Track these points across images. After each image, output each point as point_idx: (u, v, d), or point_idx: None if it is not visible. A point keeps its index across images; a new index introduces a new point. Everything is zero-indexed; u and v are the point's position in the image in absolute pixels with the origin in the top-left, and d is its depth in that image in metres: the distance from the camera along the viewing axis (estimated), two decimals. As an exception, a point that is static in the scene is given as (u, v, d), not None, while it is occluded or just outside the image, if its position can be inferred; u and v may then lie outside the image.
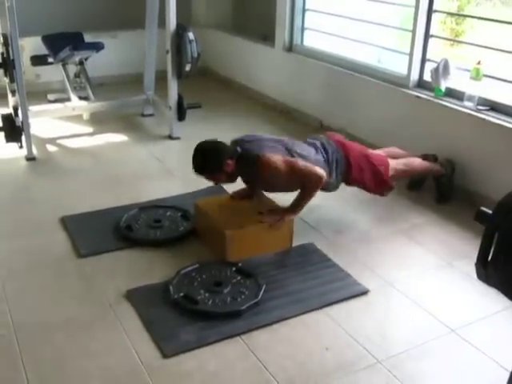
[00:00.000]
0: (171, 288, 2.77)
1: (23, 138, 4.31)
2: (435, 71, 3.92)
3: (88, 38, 5.58)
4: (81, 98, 5.32)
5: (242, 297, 2.74)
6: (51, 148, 4.72)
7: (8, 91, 4.57)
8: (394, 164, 3.51)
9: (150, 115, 5.44)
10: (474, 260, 1.69)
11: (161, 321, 2.61)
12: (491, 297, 2.70)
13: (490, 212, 1.63)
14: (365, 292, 2.85)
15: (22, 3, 4.23)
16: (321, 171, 3.08)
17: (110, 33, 6.15)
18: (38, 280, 2.93)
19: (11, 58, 4.13)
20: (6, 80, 4.39)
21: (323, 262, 3.10)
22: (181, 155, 4.72)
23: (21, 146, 4.34)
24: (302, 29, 5.35)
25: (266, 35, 5.86)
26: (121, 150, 4.68)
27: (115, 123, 5.24)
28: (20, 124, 4.27)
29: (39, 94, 5.41)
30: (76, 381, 2.30)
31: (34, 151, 4.42)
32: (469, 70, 3.77)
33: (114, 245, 3.23)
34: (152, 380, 2.29)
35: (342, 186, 3.46)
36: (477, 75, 3.70)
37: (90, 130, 5.10)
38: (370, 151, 3.52)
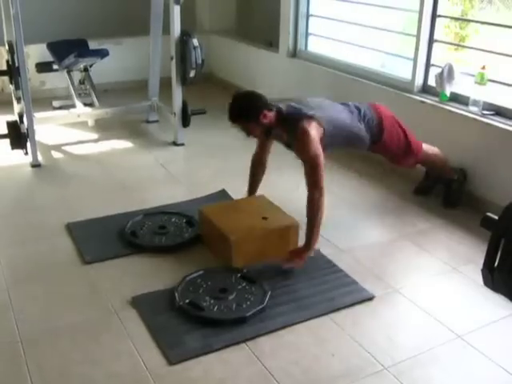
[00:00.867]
0: (176, 294, 2.77)
1: (28, 144, 4.33)
2: (440, 76, 3.91)
3: (93, 44, 5.61)
4: (86, 104, 5.34)
5: (248, 303, 2.74)
6: (56, 155, 4.73)
7: (13, 98, 4.58)
8: (425, 146, 3.58)
9: (155, 121, 5.45)
10: (481, 266, 1.68)
11: (166, 327, 2.60)
12: (498, 302, 2.69)
13: (496, 218, 1.62)
14: (371, 298, 2.84)
15: (27, 11, 4.25)
16: (324, 190, 3.01)
17: (114, 40, 6.18)
18: (43, 286, 2.93)
19: (16, 65, 4.14)
20: (12, 87, 4.41)
21: (329, 267, 3.09)
22: (185, 161, 4.74)
23: (26, 153, 4.36)
24: (306, 34, 5.36)
25: (270, 41, 5.88)
26: (125, 157, 4.69)
27: (120, 130, 5.26)
28: (25, 131, 4.28)
29: (44, 101, 5.43)
30: (81, 388, 2.30)
31: (39, 158, 4.43)
32: (473, 75, 3.76)
33: (119, 251, 3.23)
34: (157, 387, 2.29)
35: (347, 191, 3.45)
36: (481, 80, 3.69)
37: (94, 136, 5.11)
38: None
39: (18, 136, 4.28)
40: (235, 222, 3.19)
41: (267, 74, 5.83)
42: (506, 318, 2.72)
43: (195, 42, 4.52)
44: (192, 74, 4.57)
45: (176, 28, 4.51)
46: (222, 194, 3.89)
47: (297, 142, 3.07)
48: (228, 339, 2.53)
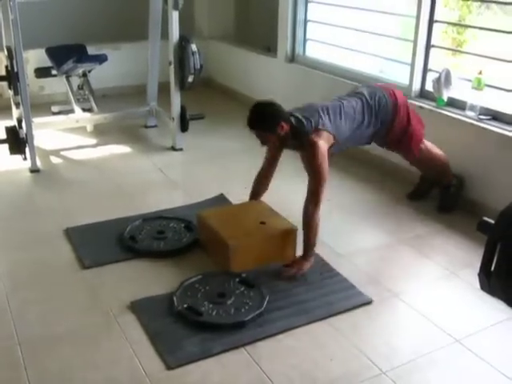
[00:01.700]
0: (175, 299, 2.78)
1: (27, 149, 4.33)
2: (437, 81, 3.93)
3: (91, 50, 5.61)
4: (84, 109, 5.35)
5: (246, 308, 2.74)
6: (55, 160, 4.74)
7: (12, 103, 4.59)
8: (427, 142, 3.63)
9: (153, 126, 5.46)
10: (478, 270, 1.69)
11: (165, 332, 2.61)
12: (495, 306, 2.69)
13: (492, 222, 1.63)
14: (369, 302, 2.85)
15: (25, 16, 4.26)
16: (320, 200, 3.04)
17: (113, 45, 6.19)
18: (42, 291, 2.94)
19: (15, 70, 4.15)
20: (11, 92, 4.42)
21: (327, 272, 3.10)
22: (184, 166, 4.75)
23: (25, 158, 4.36)
24: (304, 40, 5.38)
25: (268, 46, 5.90)
26: (124, 162, 4.70)
27: (118, 135, 5.27)
28: (24, 136, 4.29)
29: (43, 106, 5.44)
30: (80, 393, 2.31)
31: (38, 163, 4.44)
32: (470, 80, 3.78)
33: (117, 256, 3.24)
34: (156, 392, 2.30)
35: (346, 196, 3.46)
36: (478, 85, 3.71)
37: (93, 141, 5.12)
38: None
39: (17, 141, 4.28)
40: (233, 226, 3.20)
41: (265, 79, 5.85)
42: (504, 322, 2.73)
43: (194, 47, 4.54)
44: (190, 79, 4.59)
45: (174, 33, 4.53)
46: (221, 199, 3.90)
47: (305, 154, 3.11)
48: (226, 344, 2.54)
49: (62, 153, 4.86)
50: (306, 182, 3.08)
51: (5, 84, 4.75)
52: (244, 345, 2.54)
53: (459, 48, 4.53)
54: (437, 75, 3.96)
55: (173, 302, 2.77)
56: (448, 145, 3.86)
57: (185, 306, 2.74)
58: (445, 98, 3.93)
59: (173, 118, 4.82)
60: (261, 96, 5.85)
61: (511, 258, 1.56)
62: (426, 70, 4.15)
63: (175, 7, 4.43)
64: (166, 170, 4.51)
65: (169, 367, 2.41)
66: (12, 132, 4.29)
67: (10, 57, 4.19)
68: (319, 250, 3.28)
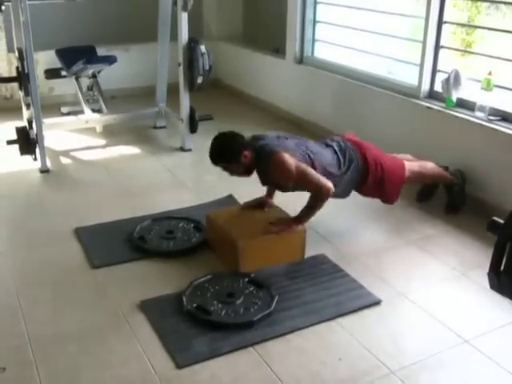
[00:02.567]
0: (184, 299, 2.79)
1: (37, 150, 4.36)
2: (446, 82, 3.93)
3: (101, 51, 5.65)
4: (94, 110, 5.37)
5: (255, 307, 2.75)
6: (65, 160, 4.77)
7: (22, 104, 4.63)
8: (408, 165, 3.53)
9: (163, 127, 5.48)
10: (487, 270, 1.69)
11: (174, 331, 2.62)
12: (505, 308, 2.69)
13: (502, 222, 1.64)
14: (377, 302, 2.85)
15: (36, 18, 4.29)
16: (329, 184, 3.06)
17: (122, 46, 6.24)
18: (52, 290, 2.96)
19: (26, 71, 4.18)
20: (21, 93, 4.45)
21: (335, 272, 3.10)
22: (193, 167, 4.77)
23: (35, 159, 4.39)
24: (313, 41, 5.39)
25: (277, 47, 5.90)
26: (133, 162, 4.72)
27: (128, 135, 5.29)
28: (34, 136, 4.32)
29: (53, 107, 5.46)
30: (90, 391, 2.32)
31: (48, 163, 4.47)
32: (480, 81, 3.78)
33: (127, 256, 3.26)
34: (166, 390, 2.31)
35: (353, 196, 3.46)
36: (488, 86, 3.70)
37: (102, 142, 5.15)
38: (386, 154, 3.53)
39: (27, 142, 4.32)
40: (242, 227, 3.21)
41: (274, 81, 5.86)
42: (513, 323, 2.73)
43: (203, 48, 4.56)
44: (199, 80, 4.60)
45: (184, 35, 4.55)
46: (229, 199, 3.91)
47: (273, 172, 3.09)
48: (235, 343, 2.54)
49: (71, 153, 4.89)
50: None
51: (16, 85, 4.78)
52: (253, 344, 2.55)
53: (468, 49, 4.53)
54: (446, 76, 3.95)
55: (182, 301, 2.78)
56: (457, 145, 3.86)
57: (194, 305, 2.75)
58: (454, 99, 3.93)
59: (182, 119, 4.84)
60: (269, 97, 5.90)
61: (521, 257, 1.56)
62: (435, 70, 4.15)
63: (184, 9, 4.45)
64: (175, 171, 4.53)
65: (178, 366, 2.42)
66: (22, 133, 4.32)
67: (21, 58, 4.22)
68: (328, 250, 3.29)
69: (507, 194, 3.51)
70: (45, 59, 5.70)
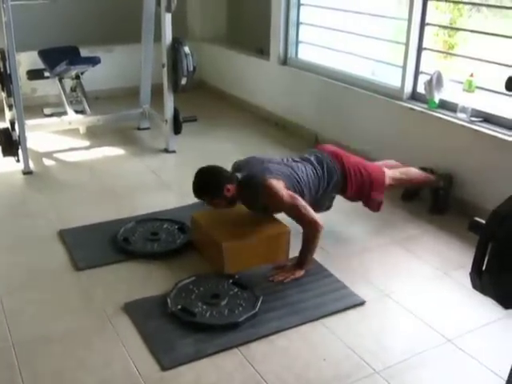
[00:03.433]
0: (169, 300, 2.78)
1: (20, 152, 4.33)
2: (429, 83, 3.96)
3: (84, 52, 5.61)
4: (77, 111, 5.33)
5: (240, 309, 2.75)
6: (48, 162, 4.74)
7: (5, 105, 4.58)
8: (390, 173, 3.54)
9: (146, 129, 5.47)
10: (469, 270, 1.71)
11: (159, 333, 2.62)
12: (487, 306, 2.72)
13: (483, 222, 1.65)
14: (361, 303, 2.87)
15: (18, 18, 4.26)
16: (320, 221, 3.05)
17: (106, 47, 6.21)
18: (35, 293, 2.94)
19: (8, 72, 4.15)
20: (3, 94, 4.41)
21: (320, 273, 3.11)
22: (177, 168, 4.76)
23: (17, 160, 4.36)
24: (297, 42, 5.40)
25: (261, 49, 5.92)
26: (117, 164, 4.70)
27: (112, 137, 5.27)
28: (17, 138, 4.29)
29: (35, 108, 5.42)
30: (75, 394, 2.31)
31: (31, 165, 4.43)
32: (462, 82, 3.81)
33: (111, 258, 3.24)
34: (150, 392, 2.30)
35: (337, 197, 3.48)
36: (469, 87, 3.74)
37: (86, 143, 5.12)
38: (365, 162, 3.54)
39: (10, 143, 4.29)
40: (227, 228, 3.21)
41: (258, 82, 5.87)
42: (496, 322, 2.75)
43: (187, 49, 4.55)
44: (183, 81, 4.60)
45: (167, 35, 4.54)
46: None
47: (266, 201, 3.10)
48: (220, 344, 2.55)
49: (54, 155, 4.86)
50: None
51: (-2, 86, 4.74)
52: (238, 346, 2.55)
53: (450, 50, 4.57)
54: (428, 77, 3.99)
55: (167, 303, 2.77)
56: (439, 146, 3.89)
57: (179, 307, 2.75)
58: (436, 100, 3.96)
59: (166, 120, 4.83)
60: (253, 98, 5.91)
61: (502, 256, 1.58)
62: (417, 72, 4.18)
63: (168, 9, 4.44)
64: (159, 172, 4.52)
65: (163, 368, 2.41)
66: (5, 134, 4.29)
67: (3, 59, 4.18)
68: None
69: (489, 194, 3.54)
70: (27, 60, 5.66)
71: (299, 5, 5.26)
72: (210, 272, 3.08)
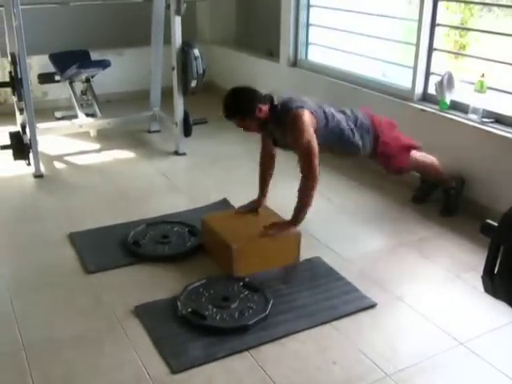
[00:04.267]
0: (179, 303, 2.78)
1: (31, 155, 4.35)
2: (440, 84, 3.94)
3: (94, 55, 5.64)
4: (88, 115, 5.36)
5: (250, 311, 2.75)
6: (59, 165, 4.76)
7: (16, 109, 4.61)
8: (413, 153, 3.61)
9: (157, 131, 5.48)
10: (481, 272, 1.69)
11: (169, 336, 2.61)
12: (499, 309, 2.68)
13: (495, 224, 1.64)
14: (373, 305, 2.85)
15: (29, 22, 4.28)
16: (317, 176, 3.04)
17: (116, 50, 6.23)
18: (46, 296, 2.94)
19: (19, 76, 4.17)
20: (14, 98, 4.44)
21: (330, 275, 3.10)
22: (187, 171, 4.76)
23: (29, 164, 4.38)
24: (307, 44, 5.39)
25: (270, 50, 5.91)
26: (128, 167, 4.71)
27: (122, 140, 5.28)
28: (28, 141, 4.30)
29: (46, 112, 5.45)
30: (85, 397, 2.31)
31: (42, 168, 4.45)
32: (473, 83, 3.79)
33: (121, 261, 3.25)
34: (161, 396, 2.30)
35: (347, 199, 3.47)
36: (481, 88, 3.71)
37: (97, 146, 5.14)
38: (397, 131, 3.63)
39: (21, 147, 4.30)
40: (237, 230, 3.21)
41: (268, 84, 5.83)
42: (508, 325, 2.72)
43: (196, 52, 4.56)
44: (193, 83, 4.61)
45: (177, 38, 4.55)
46: (224, 203, 3.91)
47: (289, 128, 3.06)
48: (231, 348, 2.54)
49: (65, 158, 4.88)
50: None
51: (9, 90, 4.77)
52: (248, 349, 2.54)
53: (461, 51, 4.53)
54: (439, 78, 3.96)
55: (177, 306, 2.77)
56: (451, 148, 3.86)
57: (189, 310, 2.74)
58: (447, 101, 3.94)
59: (176, 123, 4.83)
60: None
61: (514, 260, 1.56)
62: (428, 73, 4.16)
63: (177, 12, 4.46)
64: (170, 175, 4.52)
65: (173, 371, 2.41)
66: (16, 137, 4.31)
67: (14, 63, 4.20)
68: (323, 253, 3.29)
69: (501, 195, 3.52)
70: (38, 64, 5.69)
71: (309, 6, 5.26)
72: (220, 275, 3.08)
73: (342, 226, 3.66)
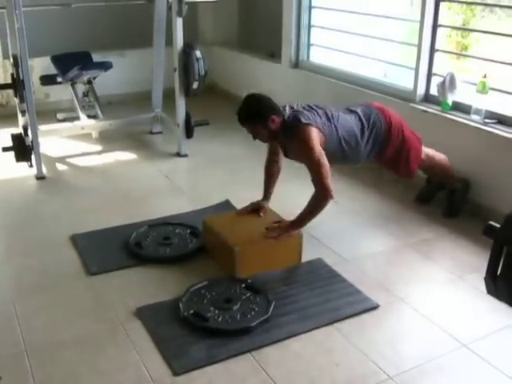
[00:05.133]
0: (181, 305, 2.78)
1: (33, 157, 4.35)
2: (442, 85, 3.93)
3: (96, 57, 5.64)
4: (89, 116, 5.37)
5: (252, 313, 2.74)
6: (61, 167, 4.76)
7: (18, 111, 4.61)
8: (425, 149, 3.61)
9: (159, 133, 5.48)
10: (484, 273, 1.69)
11: (171, 338, 2.61)
12: (502, 311, 2.68)
13: (498, 226, 1.63)
14: (375, 307, 2.84)
15: (31, 24, 4.28)
16: (332, 190, 3.06)
17: (117, 52, 6.23)
18: (48, 298, 2.94)
19: (21, 78, 4.17)
20: (16, 100, 4.44)
21: (332, 277, 3.09)
22: (189, 172, 4.76)
23: (31, 165, 4.38)
24: (308, 45, 5.39)
25: (272, 52, 5.91)
26: (130, 168, 4.71)
27: (124, 141, 5.28)
28: (30, 143, 4.30)
29: (48, 114, 5.44)
30: (87, 399, 2.31)
31: (44, 170, 4.45)
32: (475, 84, 3.78)
33: (123, 262, 3.24)
34: (163, 398, 2.30)
35: (350, 200, 3.46)
36: (483, 88, 3.70)
37: (98, 148, 5.14)
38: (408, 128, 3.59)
39: (23, 148, 4.30)
40: (239, 232, 3.20)
41: (270, 85, 5.84)
42: (510, 327, 2.71)
43: (198, 53, 4.56)
44: (195, 85, 4.60)
45: (179, 40, 4.55)
46: (226, 205, 3.90)
47: (297, 144, 3.09)
48: (233, 349, 2.53)
49: (67, 160, 4.88)
50: (312, 186, 3.09)
51: (11, 92, 4.77)
52: (250, 350, 2.54)
53: (463, 51, 4.53)
54: (441, 79, 3.96)
55: (179, 307, 2.77)
56: (453, 149, 3.86)
57: (191, 311, 2.74)
58: (450, 102, 3.93)
59: (178, 125, 4.83)
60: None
61: (517, 262, 1.56)
62: (430, 74, 4.15)
63: (179, 14, 4.45)
64: (172, 176, 4.52)
65: (175, 373, 2.41)
66: (18, 139, 4.31)
67: (16, 65, 4.20)
68: (325, 254, 3.29)
69: (503, 197, 3.51)
70: (40, 65, 5.70)
71: (310, 7, 5.26)
72: (222, 276, 3.07)
73: (344, 227, 3.66)
